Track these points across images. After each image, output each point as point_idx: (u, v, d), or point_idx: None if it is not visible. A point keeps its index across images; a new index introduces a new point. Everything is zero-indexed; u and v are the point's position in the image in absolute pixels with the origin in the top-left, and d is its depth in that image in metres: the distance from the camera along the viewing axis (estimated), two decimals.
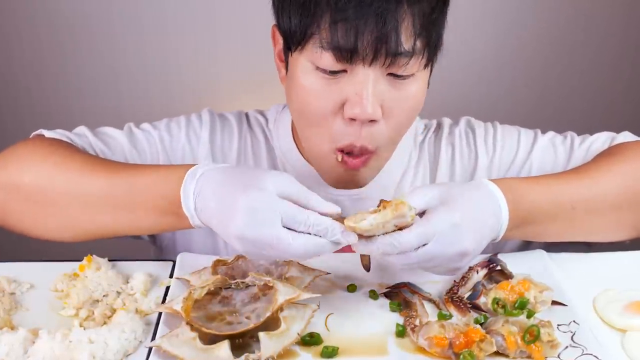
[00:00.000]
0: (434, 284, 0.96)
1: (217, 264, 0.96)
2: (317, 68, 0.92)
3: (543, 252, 1.02)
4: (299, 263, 0.96)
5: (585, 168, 1.03)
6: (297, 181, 0.84)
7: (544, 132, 1.18)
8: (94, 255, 1.01)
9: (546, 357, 0.81)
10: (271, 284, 0.87)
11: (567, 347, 0.83)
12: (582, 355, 0.81)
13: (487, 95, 2.45)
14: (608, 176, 0.99)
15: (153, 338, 0.85)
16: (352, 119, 0.92)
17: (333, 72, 0.91)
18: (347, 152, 0.97)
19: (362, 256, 0.93)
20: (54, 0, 2.36)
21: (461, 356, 0.80)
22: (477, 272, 0.95)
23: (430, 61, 0.95)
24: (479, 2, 2.39)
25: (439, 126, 1.20)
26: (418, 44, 0.90)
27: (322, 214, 0.82)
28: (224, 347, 0.79)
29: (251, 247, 0.81)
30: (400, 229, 0.81)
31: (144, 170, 0.95)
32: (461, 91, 2.40)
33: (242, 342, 0.82)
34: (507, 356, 0.82)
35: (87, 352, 0.80)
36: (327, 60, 0.90)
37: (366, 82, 0.90)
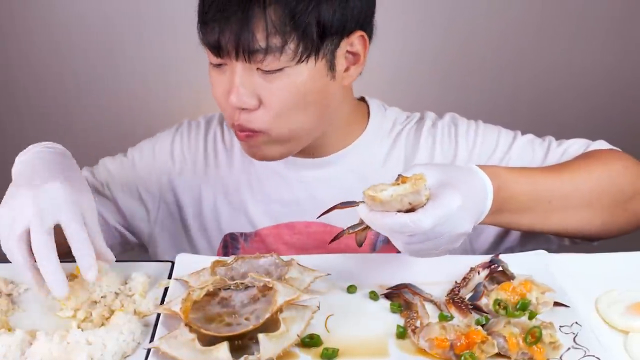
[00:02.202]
0: (435, 285, 0.96)
1: (216, 264, 0.96)
2: (210, 63, 1.06)
3: (545, 252, 1.02)
4: (298, 264, 0.96)
5: (566, 165, 1.08)
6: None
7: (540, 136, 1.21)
8: None
9: (548, 359, 0.81)
10: (271, 285, 0.86)
11: (569, 348, 0.82)
12: (584, 356, 0.81)
13: (487, 97, 2.44)
14: (585, 176, 1.05)
15: (151, 339, 0.85)
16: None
17: (217, 65, 1.05)
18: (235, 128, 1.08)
19: (358, 231, 0.92)
20: (53, 0, 2.36)
21: (462, 358, 0.79)
22: (479, 273, 0.95)
23: (303, 57, 1.00)
24: (479, 2, 2.39)
25: (422, 119, 1.23)
26: (275, 41, 0.98)
27: None
28: (223, 349, 0.78)
29: None
30: (413, 207, 0.81)
31: None
32: (460, 92, 2.39)
33: (241, 343, 0.82)
34: (508, 358, 0.81)
35: (85, 354, 0.80)
36: (210, 55, 1.04)
37: (234, 74, 1.02)
